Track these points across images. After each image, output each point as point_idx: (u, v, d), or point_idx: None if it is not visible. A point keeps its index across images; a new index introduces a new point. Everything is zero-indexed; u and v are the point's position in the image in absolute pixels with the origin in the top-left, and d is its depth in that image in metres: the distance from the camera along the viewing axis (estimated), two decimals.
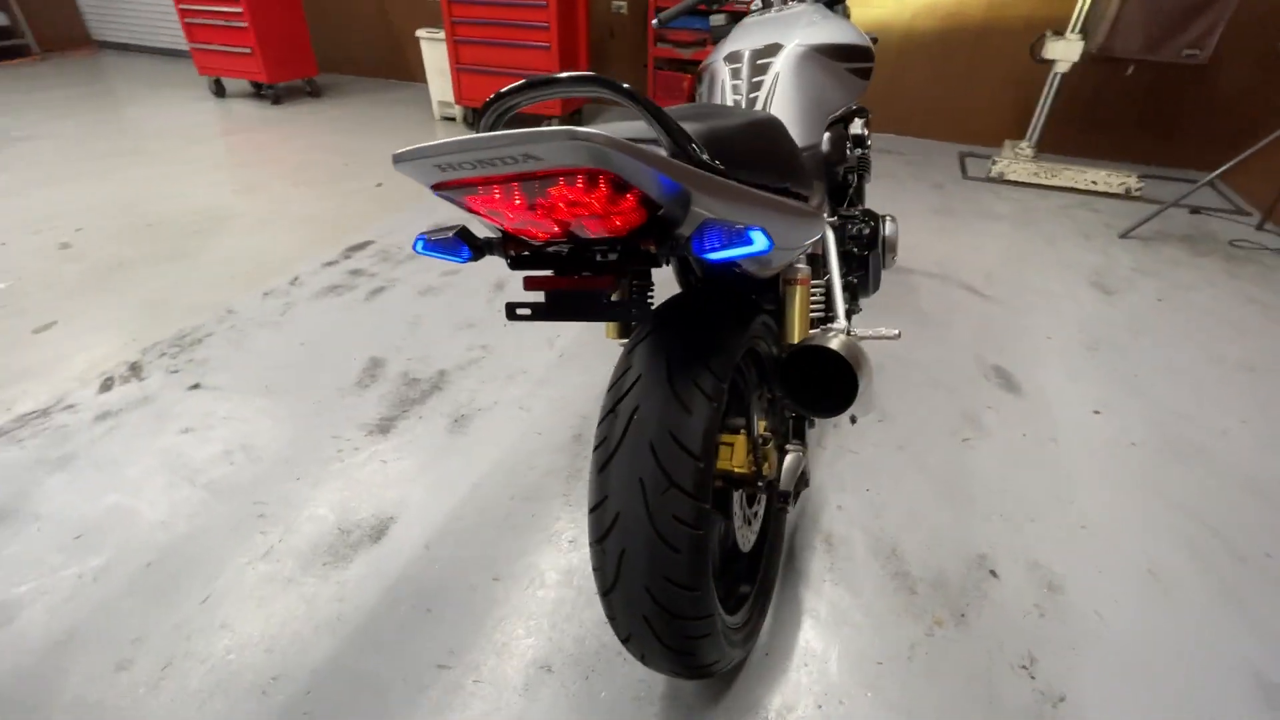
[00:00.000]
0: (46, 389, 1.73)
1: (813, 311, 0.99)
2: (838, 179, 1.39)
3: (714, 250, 0.56)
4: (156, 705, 1.02)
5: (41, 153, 3.58)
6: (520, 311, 0.65)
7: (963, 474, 1.52)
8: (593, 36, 4.24)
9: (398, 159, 0.51)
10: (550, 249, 0.64)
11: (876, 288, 1.52)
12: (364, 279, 2.33)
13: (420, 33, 4.04)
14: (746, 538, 0.99)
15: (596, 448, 0.79)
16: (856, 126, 1.48)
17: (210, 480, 1.45)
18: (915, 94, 4.10)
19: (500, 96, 0.56)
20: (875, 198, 3.20)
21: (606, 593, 0.78)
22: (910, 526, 1.37)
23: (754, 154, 0.73)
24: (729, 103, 1.21)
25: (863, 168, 1.54)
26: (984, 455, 1.58)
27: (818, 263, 1.30)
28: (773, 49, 1.21)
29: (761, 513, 1.09)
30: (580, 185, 0.52)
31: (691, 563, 0.76)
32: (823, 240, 0.94)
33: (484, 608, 1.18)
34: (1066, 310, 2.25)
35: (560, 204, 0.54)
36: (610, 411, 0.79)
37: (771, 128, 0.79)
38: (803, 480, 1.02)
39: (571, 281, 0.62)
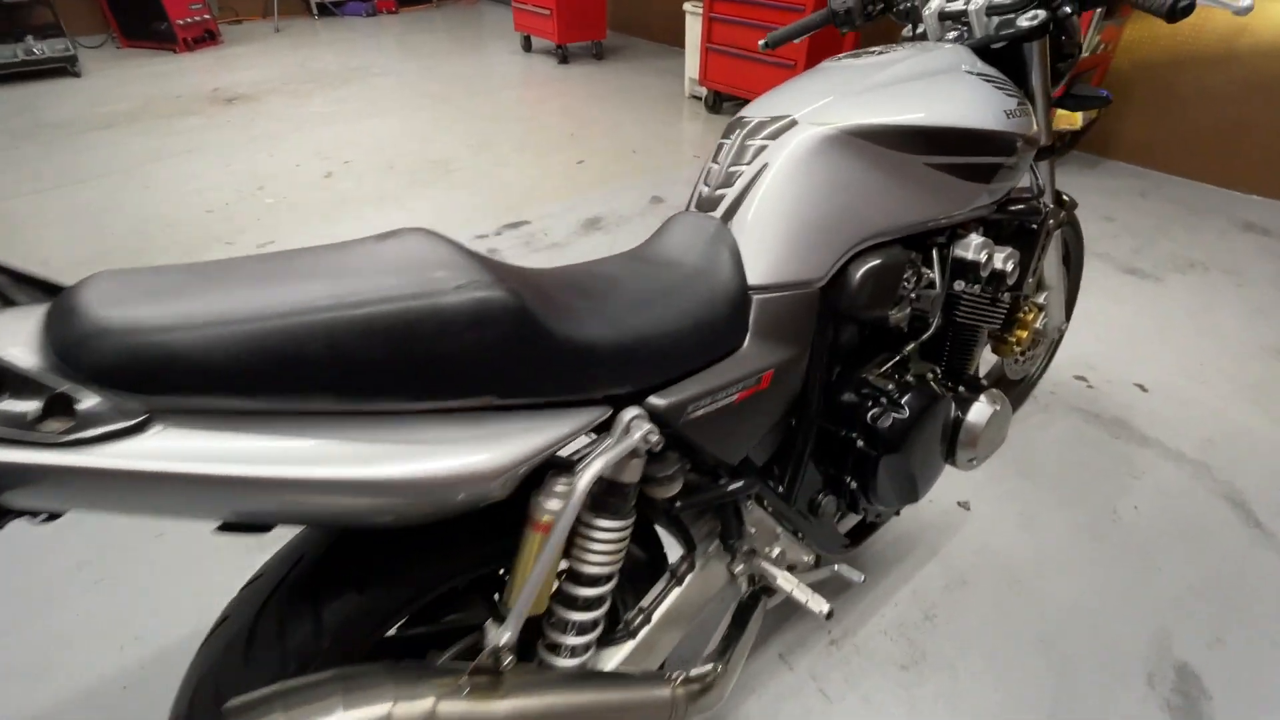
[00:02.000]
0: None
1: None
2: (885, 324, 0.91)
3: None
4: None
5: (380, 89, 4.46)
6: None
7: None
8: None
9: None
10: None
11: (910, 498, 0.98)
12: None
13: (687, 5, 3.89)
14: None
15: None
16: (970, 250, 0.93)
17: None
18: None
19: None
20: (1171, 302, 2.14)
21: None
22: None
23: (281, 365, 0.44)
24: (697, 196, 0.84)
25: (971, 315, 0.98)
26: None
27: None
28: (785, 126, 0.79)
29: None
30: None
31: None
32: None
33: None
34: None
35: None
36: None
37: (363, 325, 0.46)
38: None
39: None
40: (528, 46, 5.36)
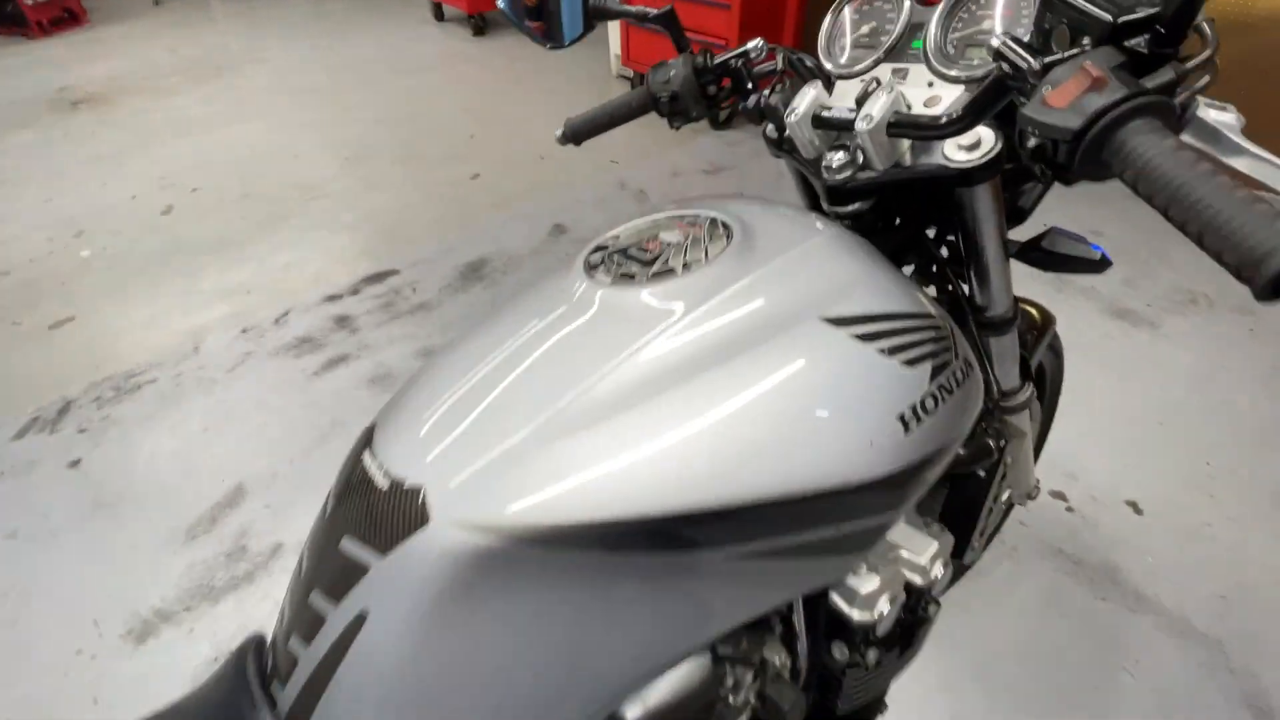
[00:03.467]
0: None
1: None
2: None
3: None
4: None
5: (257, 81, 3.83)
6: None
7: None
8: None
9: None
10: None
11: None
12: (339, 336, 1.92)
13: None
14: None
15: None
16: (856, 604, 0.50)
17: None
18: None
19: None
20: (1169, 361, 1.73)
21: None
22: None
23: None
24: (274, 639, 0.41)
25: (866, 687, 0.56)
26: None
27: None
28: (409, 524, 0.35)
29: None
30: None
31: None
32: None
33: None
34: None
35: None
36: None
37: None
38: None
39: None
40: (439, 15, 4.67)
